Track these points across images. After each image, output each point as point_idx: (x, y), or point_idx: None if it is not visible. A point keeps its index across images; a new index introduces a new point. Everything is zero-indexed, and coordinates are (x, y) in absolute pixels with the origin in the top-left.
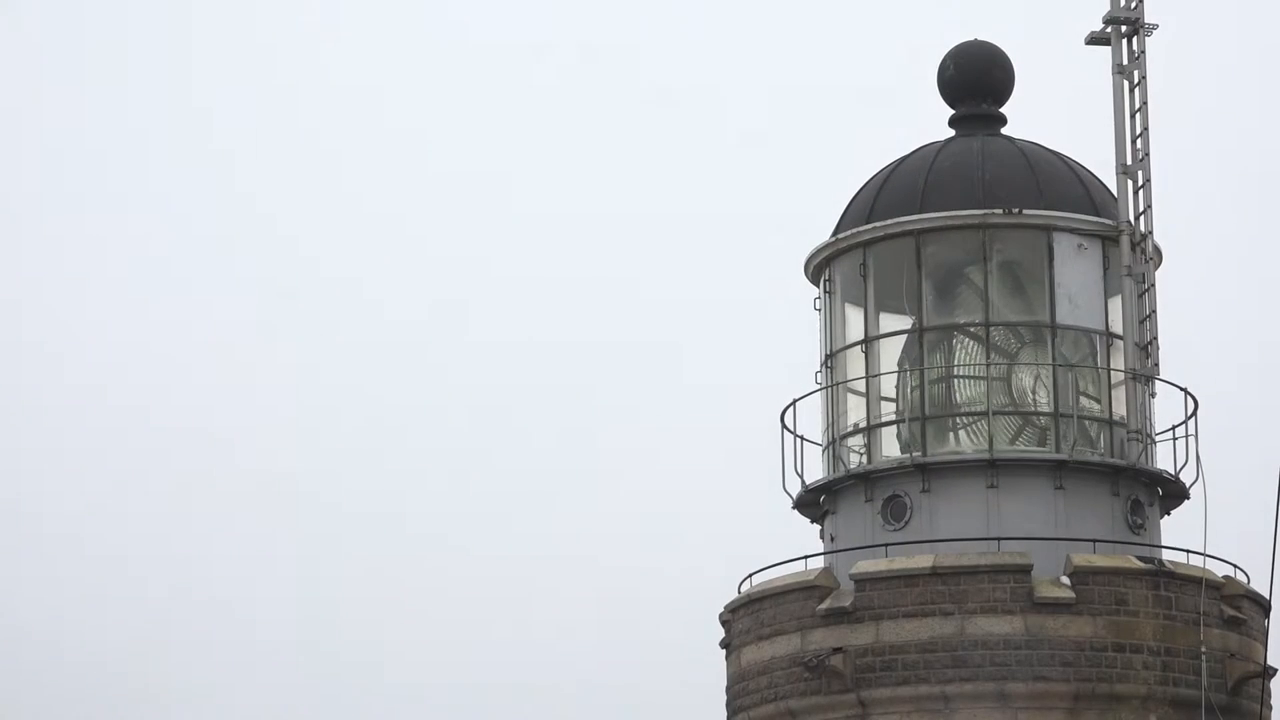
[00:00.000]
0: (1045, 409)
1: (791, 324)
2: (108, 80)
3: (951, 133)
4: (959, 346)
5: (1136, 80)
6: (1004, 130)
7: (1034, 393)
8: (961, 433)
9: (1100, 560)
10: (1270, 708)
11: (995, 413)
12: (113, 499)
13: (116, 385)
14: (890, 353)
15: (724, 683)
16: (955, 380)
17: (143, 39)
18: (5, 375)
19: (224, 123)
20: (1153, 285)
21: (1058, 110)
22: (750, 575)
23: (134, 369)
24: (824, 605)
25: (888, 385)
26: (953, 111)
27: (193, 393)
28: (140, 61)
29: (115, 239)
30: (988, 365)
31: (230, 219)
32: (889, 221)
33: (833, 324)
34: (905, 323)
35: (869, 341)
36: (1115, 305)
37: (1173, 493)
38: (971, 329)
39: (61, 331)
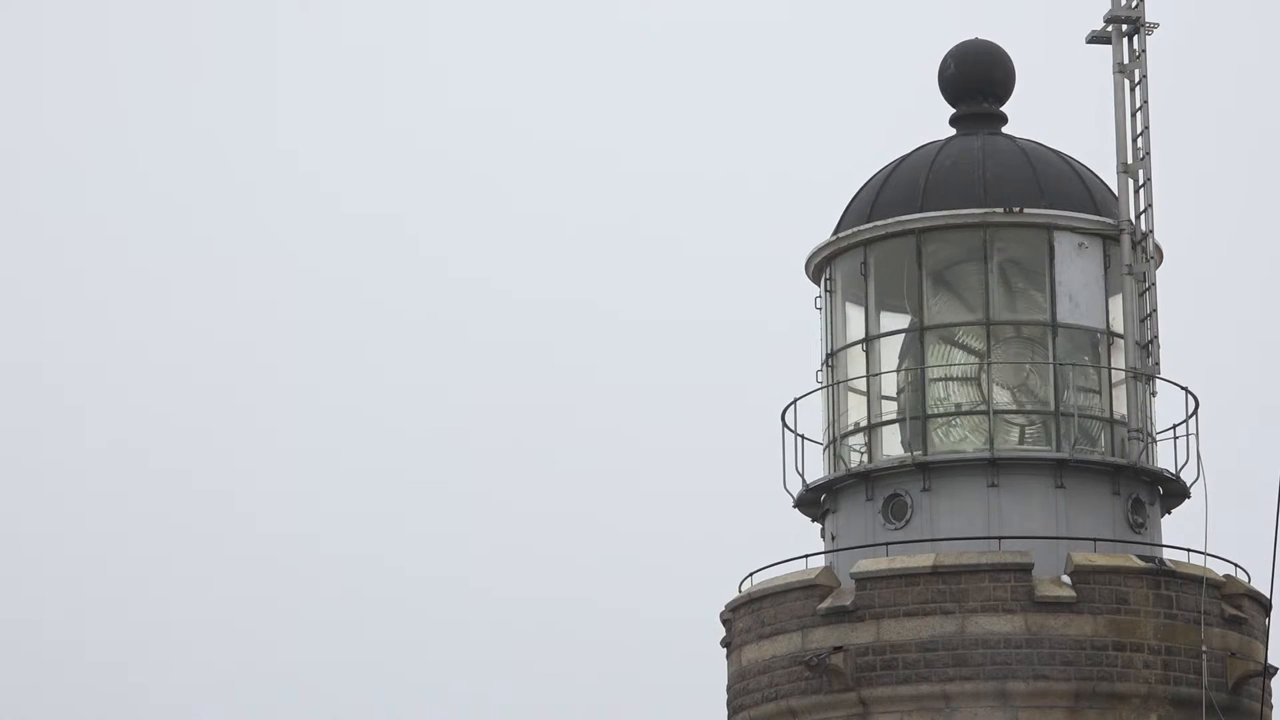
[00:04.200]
0: (1007, 406)
1: (792, 323)
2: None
3: (952, 131)
4: (931, 348)
5: (1137, 79)
6: (1005, 129)
7: (1017, 390)
8: (935, 433)
9: (1101, 559)
10: (1271, 707)
11: (995, 412)
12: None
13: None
14: (890, 352)
15: (724, 682)
16: (930, 383)
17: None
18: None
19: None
20: (1153, 284)
21: (1058, 109)
22: (751, 574)
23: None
24: (825, 604)
25: (888, 384)
26: (953, 110)
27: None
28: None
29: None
30: (963, 364)
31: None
32: (890, 220)
33: (833, 323)
34: (904, 321)
35: (869, 340)
36: (1116, 304)
37: (1173, 492)
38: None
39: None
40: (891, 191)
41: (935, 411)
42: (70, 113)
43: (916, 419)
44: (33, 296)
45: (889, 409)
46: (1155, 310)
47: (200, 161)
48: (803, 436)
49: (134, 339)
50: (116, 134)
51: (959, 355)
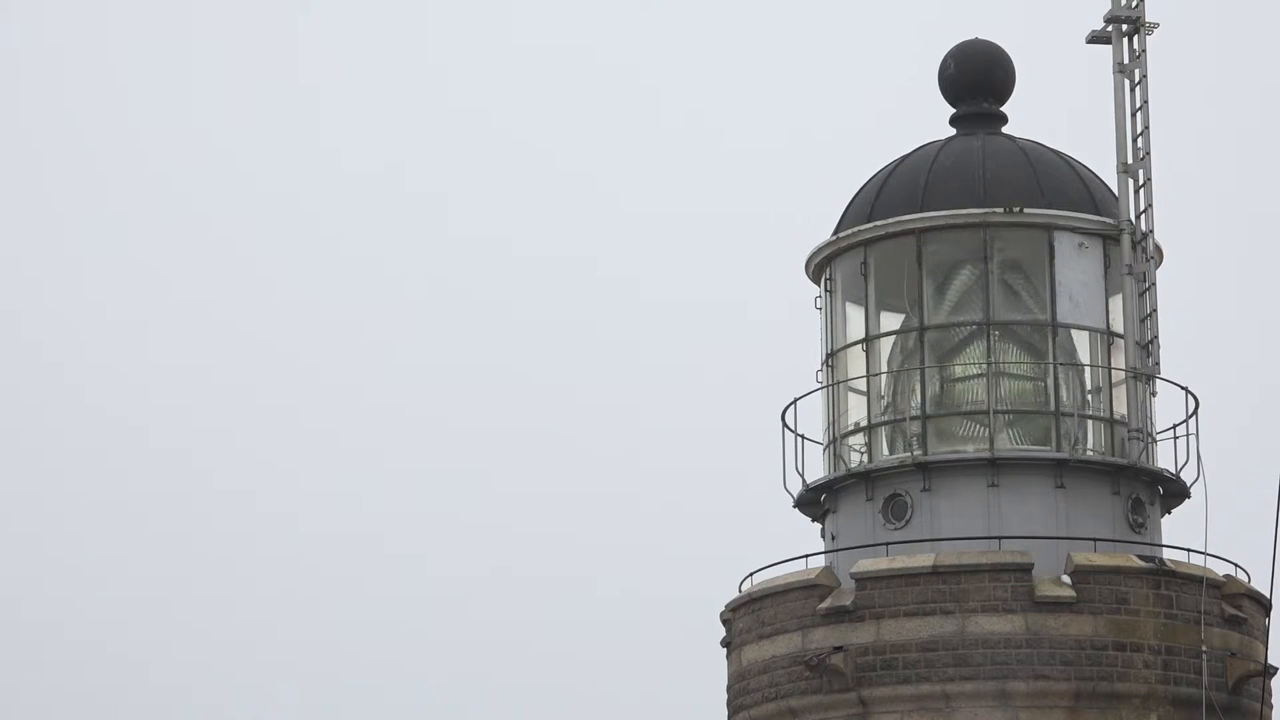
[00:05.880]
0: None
1: (792, 324)
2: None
3: (952, 131)
4: (999, 345)
5: (1137, 79)
6: (1005, 129)
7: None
8: (1009, 430)
9: (1101, 559)
10: (1271, 707)
11: (1034, 413)
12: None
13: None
14: (890, 352)
15: (724, 682)
16: (1000, 379)
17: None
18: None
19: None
20: (1153, 284)
21: (1058, 109)
22: (751, 574)
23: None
24: (825, 604)
25: (889, 384)
26: (954, 110)
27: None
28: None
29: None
30: (991, 363)
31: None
32: (890, 220)
33: (833, 323)
34: (909, 321)
35: (870, 340)
36: (1116, 304)
37: (1173, 491)
38: (1015, 328)
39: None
40: (892, 191)
41: (1001, 409)
42: (80, 95)
43: (977, 414)
44: (51, 297)
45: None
46: (1155, 310)
47: (206, 150)
48: (803, 436)
49: (151, 335)
50: (123, 120)
51: (1025, 355)
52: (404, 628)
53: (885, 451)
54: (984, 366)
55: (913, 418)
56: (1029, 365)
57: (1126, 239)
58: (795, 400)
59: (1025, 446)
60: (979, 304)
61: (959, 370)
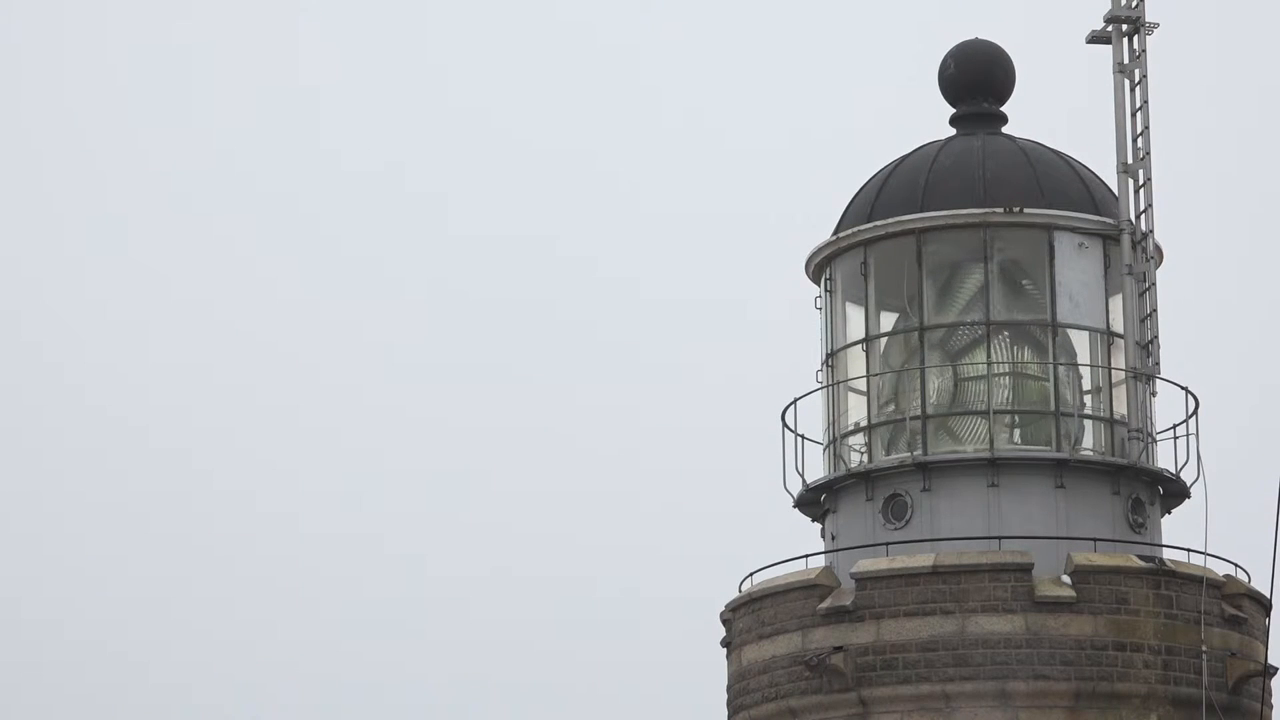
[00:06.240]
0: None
1: (792, 324)
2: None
3: (952, 131)
4: (1014, 345)
5: (1137, 79)
6: (1005, 129)
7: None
8: (1017, 430)
9: (1101, 559)
10: (1271, 707)
11: (1045, 413)
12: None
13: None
14: (890, 352)
15: (724, 682)
16: (1022, 380)
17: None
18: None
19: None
20: (1153, 284)
21: (1059, 109)
22: (751, 574)
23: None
24: (825, 604)
25: (889, 384)
26: (954, 110)
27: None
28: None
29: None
30: (1001, 363)
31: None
32: (890, 220)
33: (834, 323)
34: (903, 321)
35: (870, 340)
36: (1116, 304)
37: (1173, 491)
38: (1032, 328)
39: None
40: (892, 191)
41: (1002, 409)
42: (80, 95)
43: (991, 413)
44: (51, 297)
45: (887, 410)
46: (1155, 310)
47: (206, 150)
48: (803, 436)
49: (151, 336)
50: (123, 120)
51: (1037, 355)
52: (404, 628)
53: (884, 452)
54: (999, 366)
55: (913, 418)
56: (1038, 366)
57: (1126, 239)
58: (795, 400)
59: (1025, 446)
60: (989, 304)
61: (971, 370)
